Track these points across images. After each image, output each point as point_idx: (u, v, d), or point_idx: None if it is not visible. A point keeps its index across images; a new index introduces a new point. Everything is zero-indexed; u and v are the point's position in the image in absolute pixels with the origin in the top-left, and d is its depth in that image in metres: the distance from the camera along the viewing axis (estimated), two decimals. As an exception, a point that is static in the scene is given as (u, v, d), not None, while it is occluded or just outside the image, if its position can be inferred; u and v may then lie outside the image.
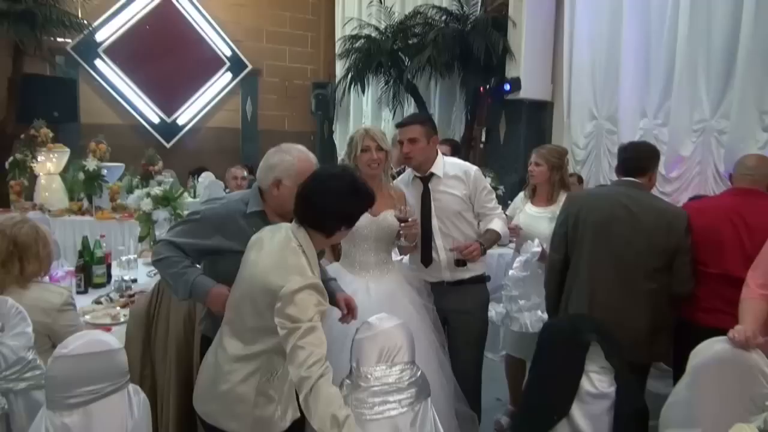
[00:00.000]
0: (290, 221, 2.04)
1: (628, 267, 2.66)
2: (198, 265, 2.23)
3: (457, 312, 2.92)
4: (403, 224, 2.70)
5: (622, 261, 2.67)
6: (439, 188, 2.92)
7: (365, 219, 2.65)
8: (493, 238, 2.91)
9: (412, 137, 2.86)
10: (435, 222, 2.91)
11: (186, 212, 2.24)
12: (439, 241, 2.91)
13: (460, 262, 2.80)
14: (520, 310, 3.24)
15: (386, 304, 2.39)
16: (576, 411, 2.14)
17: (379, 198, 2.72)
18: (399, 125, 2.98)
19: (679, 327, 2.75)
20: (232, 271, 2.04)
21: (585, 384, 2.15)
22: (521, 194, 3.72)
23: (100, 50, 9.02)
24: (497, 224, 2.94)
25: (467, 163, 3.08)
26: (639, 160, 2.87)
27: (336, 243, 2.17)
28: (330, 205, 1.90)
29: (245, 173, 5.57)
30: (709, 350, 1.97)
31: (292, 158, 2.19)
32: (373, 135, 2.70)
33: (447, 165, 2.96)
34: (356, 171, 2.64)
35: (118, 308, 3.09)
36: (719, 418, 1.75)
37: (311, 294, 1.80)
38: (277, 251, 1.90)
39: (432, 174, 2.93)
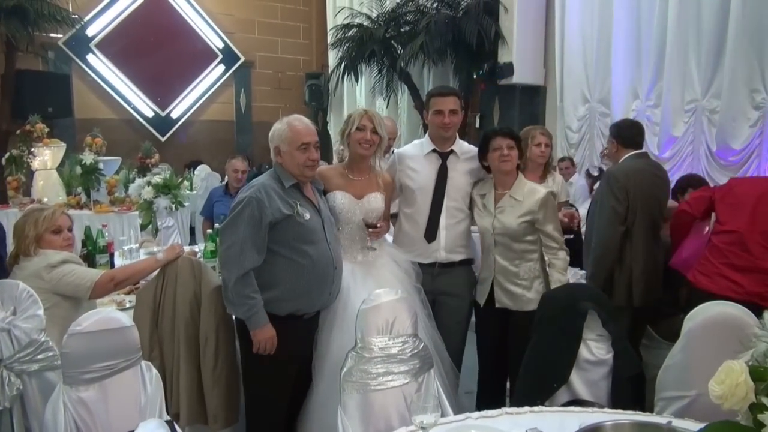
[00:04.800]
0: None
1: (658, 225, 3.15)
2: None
3: (448, 294, 2.93)
4: (370, 230, 2.67)
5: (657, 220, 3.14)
6: (456, 167, 2.92)
7: (349, 201, 2.68)
8: None
9: (454, 108, 2.86)
10: (445, 200, 2.89)
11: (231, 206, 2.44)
12: (443, 219, 2.89)
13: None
14: None
15: (372, 286, 2.41)
16: (575, 378, 2.20)
17: (365, 181, 2.75)
18: (439, 94, 2.93)
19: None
20: (293, 234, 2.37)
21: (583, 351, 2.20)
22: None
23: (92, 45, 9.01)
24: None
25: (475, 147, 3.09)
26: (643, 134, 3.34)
27: None
28: None
29: (246, 166, 5.57)
30: (703, 314, 2.03)
31: (282, 125, 2.46)
32: (372, 116, 2.69)
33: (463, 145, 2.98)
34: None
35: (123, 295, 3.15)
36: (714, 379, 1.82)
37: None
38: None
39: (452, 151, 2.93)
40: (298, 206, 2.41)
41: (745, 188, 2.89)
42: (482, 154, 2.84)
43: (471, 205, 2.93)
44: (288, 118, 2.50)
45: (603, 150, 3.28)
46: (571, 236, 3.39)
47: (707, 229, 3.00)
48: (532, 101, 6.89)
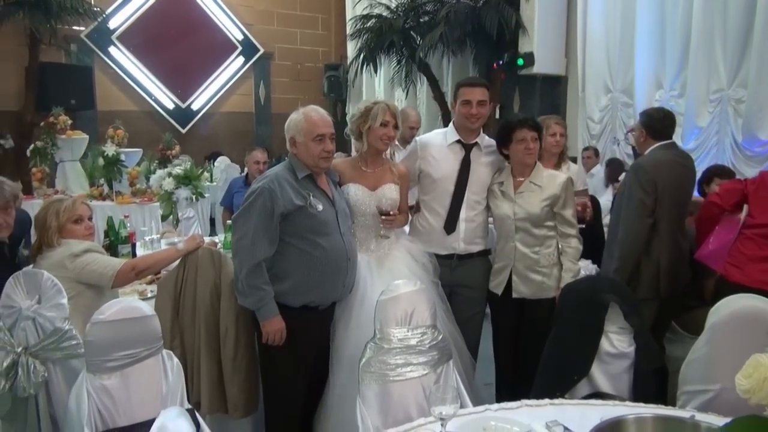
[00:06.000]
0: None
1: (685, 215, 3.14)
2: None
3: (466, 286, 2.92)
4: (383, 217, 2.66)
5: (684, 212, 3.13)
6: (479, 159, 2.90)
7: (363, 193, 2.66)
8: None
9: (483, 99, 2.83)
10: (466, 192, 2.87)
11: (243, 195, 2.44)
12: (463, 212, 2.87)
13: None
14: None
15: (389, 280, 2.36)
16: (596, 371, 2.17)
17: (379, 172, 2.73)
18: (468, 84, 2.90)
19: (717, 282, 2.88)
20: (306, 225, 2.37)
21: (605, 344, 2.18)
22: None
23: (113, 37, 9.09)
24: None
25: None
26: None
27: None
28: None
29: (266, 157, 5.58)
30: (728, 307, 1.99)
31: (299, 116, 2.46)
32: (394, 112, 2.67)
33: (485, 138, 2.95)
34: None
35: (145, 285, 3.19)
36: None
37: None
38: None
39: (475, 143, 2.91)
40: (311, 197, 2.40)
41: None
42: (504, 144, 2.82)
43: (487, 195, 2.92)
44: (304, 109, 2.48)
45: (628, 131, 3.24)
46: (583, 226, 3.35)
47: (738, 219, 2.95)
48: (553, 91, 6.81)
